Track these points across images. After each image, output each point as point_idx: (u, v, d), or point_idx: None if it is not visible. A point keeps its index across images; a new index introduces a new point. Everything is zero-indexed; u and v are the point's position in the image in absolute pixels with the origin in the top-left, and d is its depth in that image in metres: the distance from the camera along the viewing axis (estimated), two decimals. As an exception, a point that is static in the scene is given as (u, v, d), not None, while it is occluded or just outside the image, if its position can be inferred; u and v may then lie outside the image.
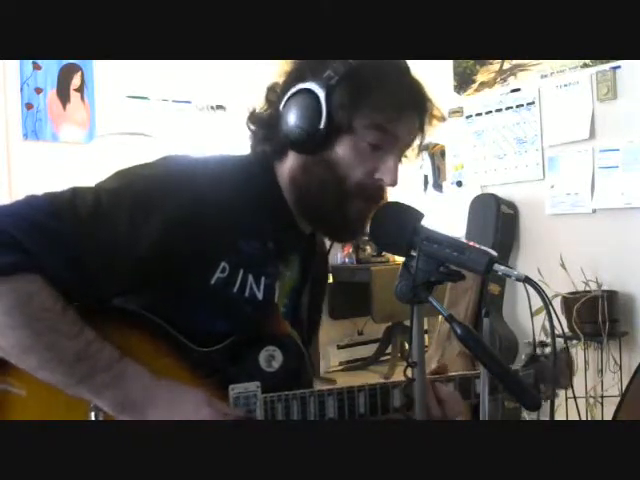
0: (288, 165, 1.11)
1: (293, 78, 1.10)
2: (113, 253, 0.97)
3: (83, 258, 0.96)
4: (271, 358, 1.09)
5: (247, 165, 1.15)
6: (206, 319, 1.06)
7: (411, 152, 1.15)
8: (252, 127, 1.15)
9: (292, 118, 1.06)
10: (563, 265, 2.84)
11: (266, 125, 1.12)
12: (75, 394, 0.96)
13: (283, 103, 1.08)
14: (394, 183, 1.09)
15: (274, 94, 1.12)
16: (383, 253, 4.13)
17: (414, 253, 0.91)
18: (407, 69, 1.13)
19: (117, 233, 0.97)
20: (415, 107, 1.10)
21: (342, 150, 1.06)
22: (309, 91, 1.05)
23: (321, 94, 1.04)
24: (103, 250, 0.97)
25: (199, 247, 1.02)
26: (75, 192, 0.99)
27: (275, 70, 1.13)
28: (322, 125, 1.04)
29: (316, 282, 1.28)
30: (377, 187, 1.09)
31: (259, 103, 1.14)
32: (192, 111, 3.81)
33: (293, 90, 1.07)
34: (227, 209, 1.04)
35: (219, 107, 3.75)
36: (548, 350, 1.25)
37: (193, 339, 1.05)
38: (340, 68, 1.05)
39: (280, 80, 1.12)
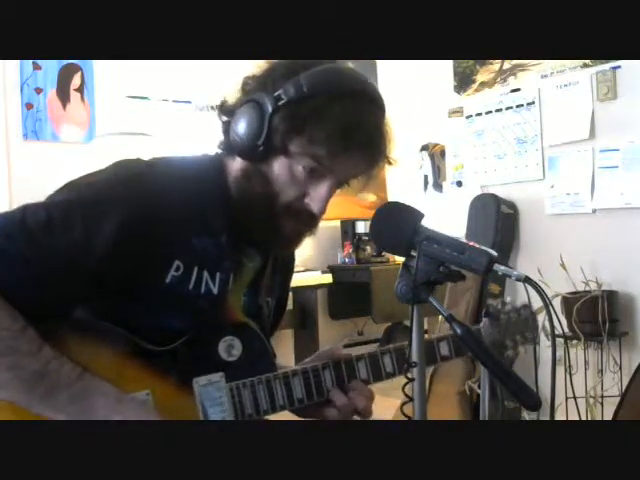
0: (236, 165, 1.13)
1: (264, 76, 1.10)
2: (69, 264, 0.98)
3: (40, 274, 0.97)
4: (230, 347, 1.11)
5: (199, 163, 1.17)
6: (164, 318, 1.06)
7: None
8: (223, 118, 1.15)
9: (238, 125, 1.08)
10: (563, 265, 2.84)
11: (231, 117, 1.13)
12: (38, 413, 0.95)
13: (240, 105, 1.09)
14: (320, 212, 1.09)
15: (249, 85, 1.12)
16: (383, 253, 4.13)
17: (414, 253, 0.91)
18: (370, 101, 1.09)
19: (70, 244, 0.98)
20: (358, 146, 1.07)
21: (277, 168, 1.08)
22: (259, 104, 1.06)
23: (267, 112, 1.05)
24: (59, 263, 0.98)
25: (152, 248, 1.03)
26: (26, 210, 1.00)
27: (258, 63, 1.13)
28: (260, 142, 1.06)
29: (281, 267, 1.29)
30: (307, 211, 1.09)
31: (232, 92, 1.14)
32: (192, 111, 3.81)
33: (249, 97, 1.08)
34: (177, 208, 1.06)
35: (217, 112, 3.74)
36: (507, 308, 1.35)
37: (152, 340, 1.05)
38: (290, 91, 1.04)
39: (257, 73, 1.12)
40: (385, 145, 1.11)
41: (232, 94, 1.13)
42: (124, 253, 1.00)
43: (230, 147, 1.12)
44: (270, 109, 1.05)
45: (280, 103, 1.04)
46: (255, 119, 1.06)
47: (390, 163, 1.14)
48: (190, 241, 1.08)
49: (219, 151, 1.17)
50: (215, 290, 1.10)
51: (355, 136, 1.05)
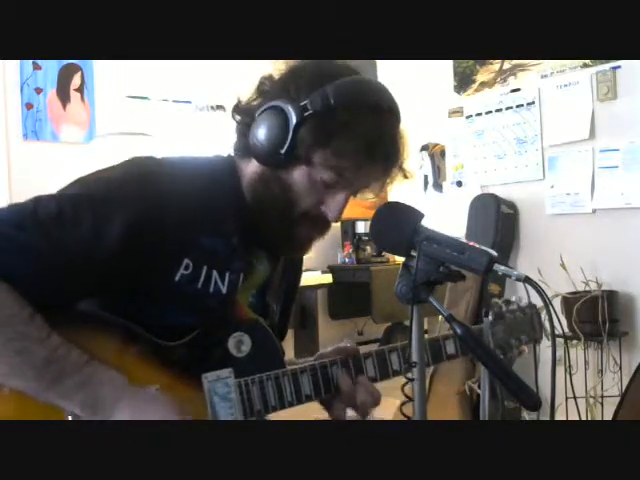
0: (251, 168, 1.13)
1: (286, 81, 1.10)
2: (78, 258, 0.99)
3: (48, 265, 0.98)
4: (240, 343, 1.12)
5: (211, 164, 1.17)
6: (172, 315, 1.07)
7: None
8: (237, 117, 1.16)
9: (259, 130, 1.09)
10: (563, 265, 2.84)
11: (249, 119, 1.13)
12: (46, 400, 0.96)
13: (262, 109, 1.10)
14: (336, 220, 1.12)
15: (266, 86, 1.12)
16: (383, 253, 4.13)
17: (414, 253, 0.91)
18: (392, 114, 1.11)
19: (80, 238, 0.98)
20: (380, 159, 1.10)
21: (297, 176, 1.09)
22: (283, 112, 1.07)
23: (292, 121, 1.06)
24: (68, 256, 0.98)
25: (161, 245, 1.03)
26: (37, 202, 1.00)
27: (276, 65, 1.13)
28: (283, 150, 1.07)
29: (289, 270, 1.30)
30: (322, 218, 1.11)
31: (249, 93, 1.14)
32: (192, 111, 3.81)
33: (272, 103, 1.08)
34: (189, 207, 1.06)
35: (219, 107, 3.74)
36: (513, 307, 1.34)
37: (161, 335, 1.06)
38: (317, 102, 1.05)
39: (276, 75, 1.12)
40: (403, 158, 1.14)
41: (246, 94, 1.14)
42: (132, 250, 1.01)
43: (247, 150, 1.13)
44: (295, 119, 1.05)
45: (306, 114, 1.05)
46: (279, 127, 1.06)
47: (406, 177, 1.16)
48: (200, 241, 1.08)
49: (231, 152, 1.18)
50: (224, 290, 1.10)
51: (379, 150, 1.08)
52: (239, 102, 1.15)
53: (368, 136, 1.06)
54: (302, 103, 1.06)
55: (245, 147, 1.13)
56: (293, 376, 1.13)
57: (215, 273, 1.09)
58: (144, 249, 1.02)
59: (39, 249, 0.97)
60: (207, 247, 1.09)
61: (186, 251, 1.07)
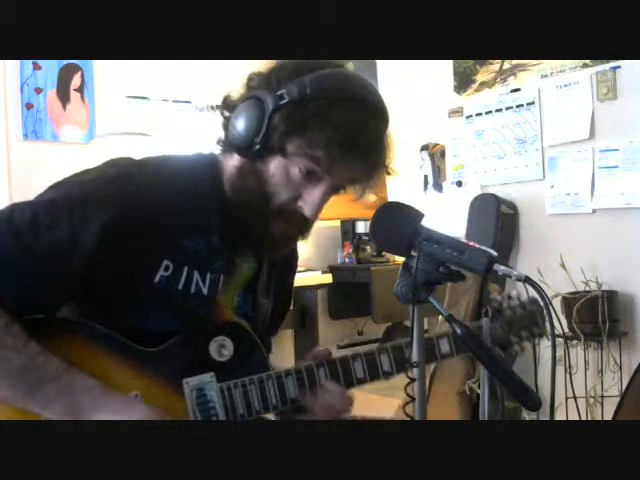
0: (232, 162, 1.12)
1: (269, 74, 1.09)
2: (54, 263, 0.98)
3: (26, 271, 0.97)
4: (222, 347, 1.10)
5: (193, 162, 1.16)
6: (153, 318, 1.06)
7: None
8: (225, 113, 1.15)
9: (237, 121, 1.08)
10: (563, 265, 2.84)
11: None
12: (24, 408, 0.95)
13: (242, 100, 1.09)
14: (313, 216, 1.09)
15: (254, 82, 1.11)
16: (383, 253, 4.13)
17: (414, 253, 0.91)
18: (373, 110, 1.08)
19: (56, 243, 0.98)
20: (358, 155, 1.06)
21: (273, 168, 1.07)
22: (260, 101, 1.06)
23: (268, 110, 1.04)
24: (45, 261, 0.98)
25: (139, 248, 1.03)
26: (13, 208, 1.00)
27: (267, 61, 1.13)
28: (258, 139, 1.05)
29: (280, 268, 1.28)
30: (299, 214, 1.09)
31: (237, 88, 1.14)
32: (192, 111, 3.81)
33: (251, 93, 1.08)
34: (167, 208, 1.05)
35: (219, 107, 3.74)
36: (513, 303, 1.33)
37: (142, 341, 1.05)
38: (293, 91, 1.03)
39: (263, 70, 1.11)
40: (384, 155, 1.10)
41: (236, 90, 1.13)
42: (109, 253, 1.00)
43: (228, 143, 1.12)
44: (271, 107, 1.04)
45: (282, 102, 1.04)
46: (254, 116, 1.05)
47: (389, 173, 1.13)
48: (180, 241, 1.07)
49: (215, 150, 1.17)
50: (205, 290, 1.09)
51: (355, 143, 1.04)
52: (228, 97, 1.14)
53: (343, 128, 1.03)
54: (279, 92, 1.04)
55: (226, 140, 1.12)
56: (278, 379, 1.11)
57: (196, 274, 1.08)
58: (120, 252, 1.01)
59: (16, 256, 0.96)
60: (188, 247, 1.08)
61: (165, 252, 1.06)
